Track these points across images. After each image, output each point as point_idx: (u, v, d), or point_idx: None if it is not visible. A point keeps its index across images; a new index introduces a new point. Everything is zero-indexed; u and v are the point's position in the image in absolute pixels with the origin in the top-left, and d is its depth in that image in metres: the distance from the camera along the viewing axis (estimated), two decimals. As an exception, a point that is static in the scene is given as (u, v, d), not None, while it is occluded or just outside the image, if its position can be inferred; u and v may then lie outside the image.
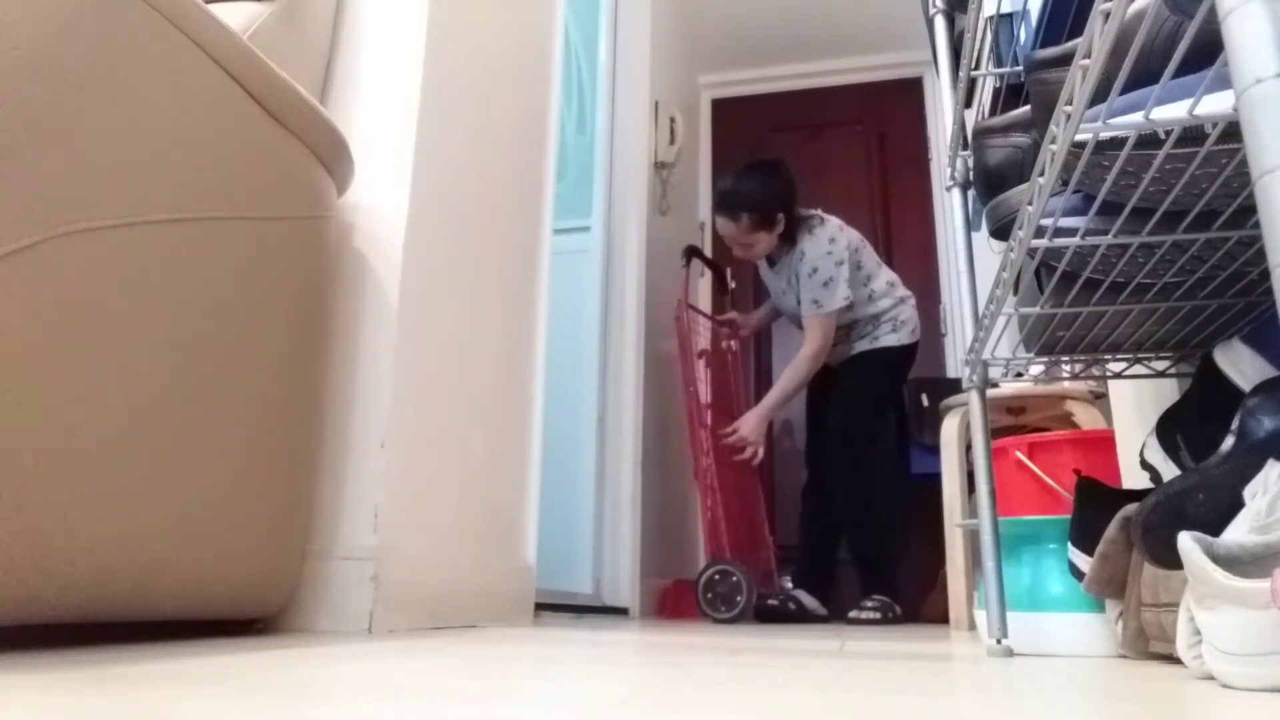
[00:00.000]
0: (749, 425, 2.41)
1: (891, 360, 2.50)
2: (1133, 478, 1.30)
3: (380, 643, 0.97)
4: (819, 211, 2.52)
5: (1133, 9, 0.71)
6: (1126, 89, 0.70)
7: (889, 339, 2.49)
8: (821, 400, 2.56)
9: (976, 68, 1.28)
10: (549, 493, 2.07)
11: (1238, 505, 0.77)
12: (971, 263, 1.25)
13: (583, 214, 2.54)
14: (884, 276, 2.54)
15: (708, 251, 3.55)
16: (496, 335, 1.65)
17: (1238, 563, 0.69)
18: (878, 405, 2.55)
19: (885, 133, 3.65)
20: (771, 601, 2.32)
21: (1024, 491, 1.43)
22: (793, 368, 2.44)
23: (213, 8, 1.02)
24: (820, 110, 3.72)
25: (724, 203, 2.45)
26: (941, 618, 2.24)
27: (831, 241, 2.42)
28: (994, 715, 0.51)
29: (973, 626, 1.89)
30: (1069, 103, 0.70)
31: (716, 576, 2.22)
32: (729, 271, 2.94)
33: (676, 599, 2.66)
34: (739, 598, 2.18)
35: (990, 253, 1.69)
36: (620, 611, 2.30)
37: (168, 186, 0.88)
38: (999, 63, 1.28)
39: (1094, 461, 1.40)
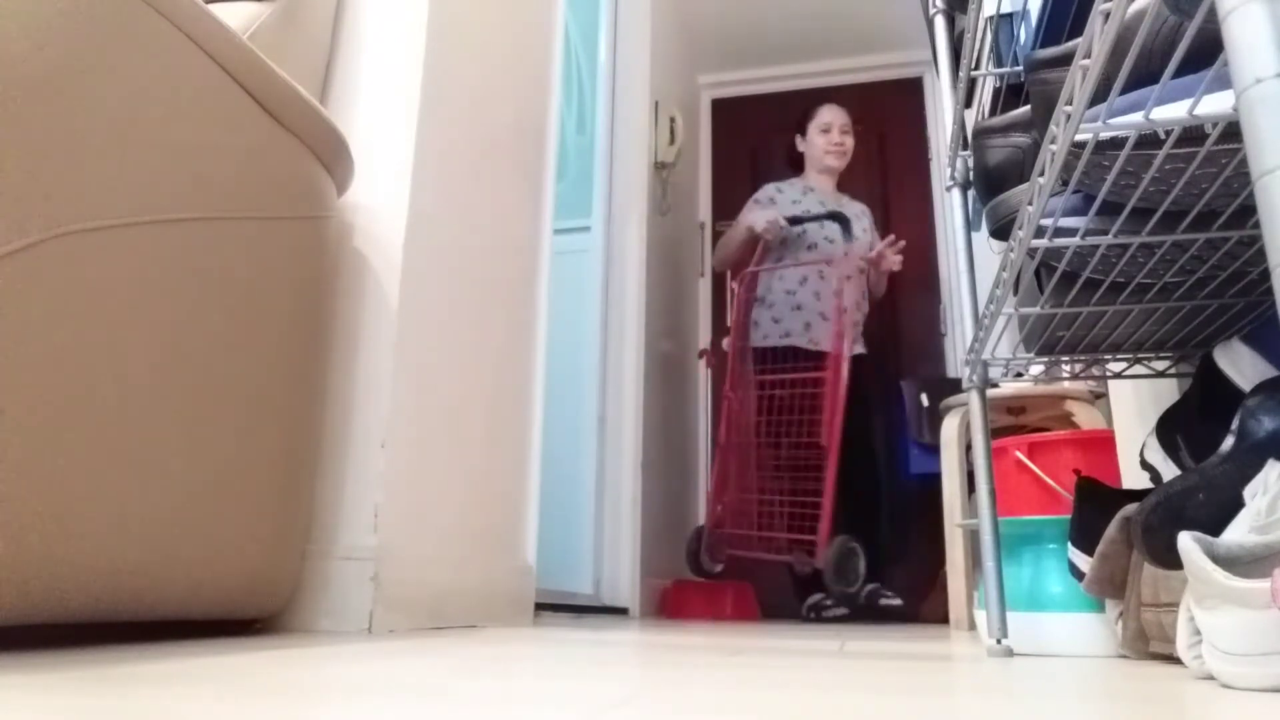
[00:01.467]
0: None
1: (865, 368, 2.68)
2: (1133, 478, 1.30)
3: (380, 643, 0.97)
4: None
5: (1133, 9, 0.71)
6: (1126, 89, 0.69)
7: (859, 348, 2.67)
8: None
9: (976, 68, 1.28)
10: (549, 493, 2.07)
11: (1238, 505, 0.77)
12: (971, 263, 1.25)
13: (583, 214, 2.54)
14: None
15: (706, 251, 3.56)
16: (497, 335, 1.65)
17: (1238, 563, 0.69)
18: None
19: (885, 133, 3.64)
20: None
21: (1024, 491, 1.43)
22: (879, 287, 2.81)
23: (213, 8, 1.02)
24: (821, 110, 3.72)
25: (838, 101, 2.96)
26: (941, 618, 2.24)
27: None
28: (994, 715, 0.51)
29: (973, 626, 1.89)
30: (1069, 103, 0.70)
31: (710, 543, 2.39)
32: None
33: (677, 599, 2.66)
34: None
35: (990, 253, 1.70)
36: (620, 611, 2.30)
37: (167, 186, 0.88)
38: (999, 63, 1.28)
39: (1094, 461, 1.40)
